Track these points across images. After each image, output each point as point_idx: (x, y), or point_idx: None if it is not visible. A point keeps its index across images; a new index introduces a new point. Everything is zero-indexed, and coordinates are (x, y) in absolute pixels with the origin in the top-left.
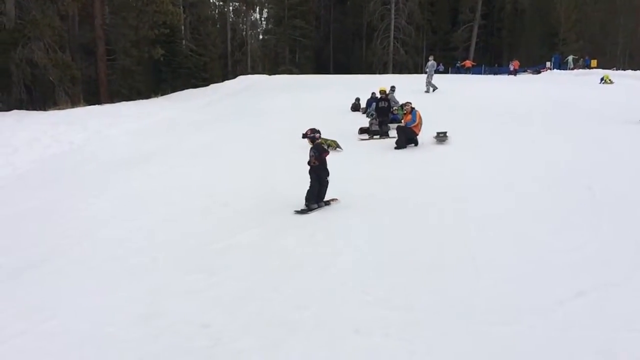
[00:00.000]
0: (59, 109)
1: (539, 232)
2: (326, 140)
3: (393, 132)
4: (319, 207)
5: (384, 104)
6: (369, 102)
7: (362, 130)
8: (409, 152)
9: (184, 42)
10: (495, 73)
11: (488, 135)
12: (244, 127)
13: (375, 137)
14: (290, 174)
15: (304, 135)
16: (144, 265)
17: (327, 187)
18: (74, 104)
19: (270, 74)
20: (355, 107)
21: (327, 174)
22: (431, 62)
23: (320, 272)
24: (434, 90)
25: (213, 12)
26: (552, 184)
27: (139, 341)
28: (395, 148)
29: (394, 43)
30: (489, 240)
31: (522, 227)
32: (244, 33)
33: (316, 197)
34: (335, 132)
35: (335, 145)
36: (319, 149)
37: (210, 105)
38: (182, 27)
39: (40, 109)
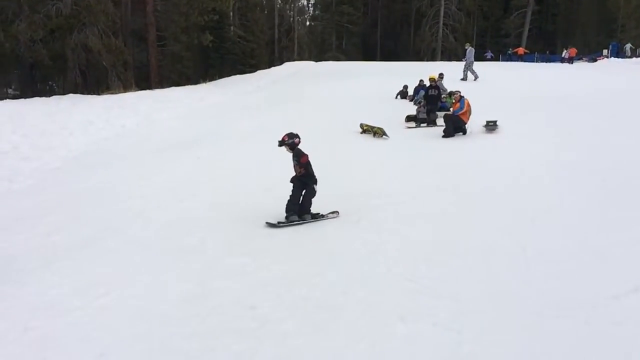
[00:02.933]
0: (112, 93)
1: (594, 225)
2: (373, 127)
3: (441, 121)
4: (303, 220)
5: (434, 91)
6: (416, 90)
7: (409, 118)
8: (457, 141)
9: (232, 28)
10: (548, 61)
11: (541, 125)
12: (290, 114)
13: (422, 125)
14: (335, 161)
15: (281, 143)
16: (193, 246)
17: (313, 196)
18: (125, 88)
19: (316, 61)
20: (403, 94)
21: (314, 181)
22: (469, 49)
23: (365, 259)
24: (475, 78)
25: None
26: (609, 176)
27: (188, 319)
28: (443, 136)
29: (443, 29)
30: (540, 231)
31: (576, 219)
32: (292, 19)
33: (298, 207)
34: (381, 119)
35: (381, 133)
36: (298, 155)
37: (257, 92)
38: (231, 14)
39: (94, 93)
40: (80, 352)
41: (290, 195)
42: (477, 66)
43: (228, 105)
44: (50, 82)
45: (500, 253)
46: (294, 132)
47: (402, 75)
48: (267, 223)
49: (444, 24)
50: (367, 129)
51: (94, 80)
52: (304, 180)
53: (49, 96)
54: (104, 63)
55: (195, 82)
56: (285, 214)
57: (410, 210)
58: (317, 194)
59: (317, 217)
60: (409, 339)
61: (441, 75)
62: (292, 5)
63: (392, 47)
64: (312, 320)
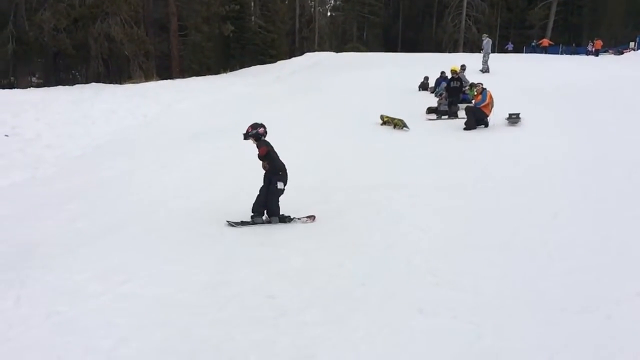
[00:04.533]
0: (134, 82)
1: (618, 220)
2: (393, 119)
3: (462, 113)
4: (269, 222)
5: (456, 83)
6: (438, 82)
7: (430, 110)
8: (478, 133)
9: (253, 18)
10: (573, 53)
11: (566, 118)
12: (310, 104)
13: (443, 117)
14: (357, 153)
15: (246, 135)
16: (212, 235)
17: (278, 195)
18: (147, 78)
19: (337, 52)
20: (424, 86)
21: (279, 177)
22: (486, 41)
23: (385, 251)
24: (482, 70)
25: None
26: (635, 170)
27: (208, 308)
28: (465, 129)
29: (466, 20)
30: (563, 225)
31: (600, 214)
32: (313, 10)
33: (263, 208)
34: (402, 111)
35: (402, 125)
36: (258, 147)
37: (278, 82)
38: (252, 4)
39: (116, 83)
40: (102, 337)
41: (257, 195)
42: (499, 58)
43: (248, 96)
44: (73, 71)
45: (521, 247)
46: (259, 122)
47: (423, 67)
48: (227, 222)
49: (466, 15)
50: (387, 121)
51: (116, 69)
52: (268, 176)
53: (72, 85)
54: (126, 52)
55: (216, 72)
56: (251, 214)
57: (430, 202)
58: (288, 192)
59: (286, 220)
60: (428, 332)
61: (463, 67)
62: None
63: (413, 38)
64: (330, 311)
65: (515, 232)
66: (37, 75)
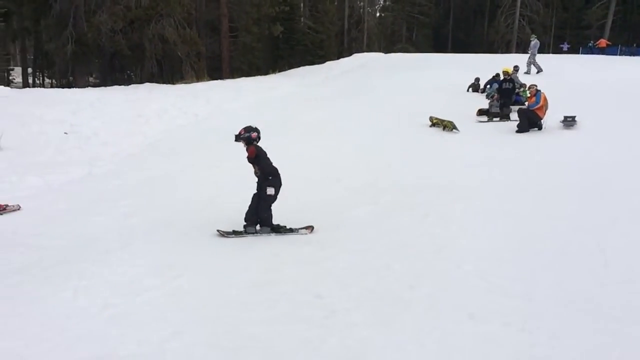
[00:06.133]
0: (185, 82)
1: None
2: (442, 120)
3: (514, 115)
4: (261, 232)
5: (508, 85)
6: (489, 83)
7: (480, 112)
8: (531, 136)
9: (302, 19)
10: (633, 54)
11: (624, 122)
12: (358, 105)
13: (495, 119)
14: (405, 155)
15: (237, 137)
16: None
17: (270, 203)
18: (198, 78)
19: (385, 52)
20: (475, 87)
21: (269, 184)
22: (534, 42)
23: (434, 254)
24: (538, 72)
25: None
26: None
27: (256, 305)
28: (517, 131)
29: (519, 20)
30: (622, 232)
31: None
32: (362, 10)
33: (256, 217)
34: (452, 112)
35: (451, 127)
36: (247, 149)
37: (326, 82)
38: (301, 5)
39: (168, 83)
40: (155, 330)
41: (250, 203)
42: (554, 59)
43: (297, 96)
44: (128, 71)
45: (576, 253)
46: (253, 125)
47: (474, 68)
48: (218, 231)
49: (520, 14)
50: (436, 122)
51: (169, 69)
52: (259, 183)
53: (127, 85)
54: (179, 53)
55: (265, 73)
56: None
57: (481, 206)
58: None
59: (281, 230)
60: (479, 338)
61: (516, 68)
62: None
63: (464, 39)
64: (379, 312)
65: (570, 237)
66: (94, 75)
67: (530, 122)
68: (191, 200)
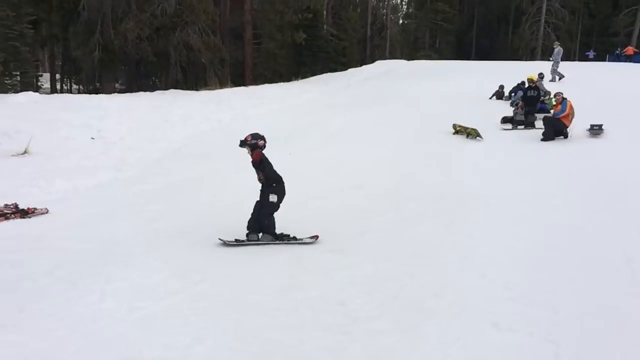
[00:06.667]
0: (209, 89)
1: None
2: (466, 128)
3: (540, 123)
4: (263, 240)
5: (533, 92)
6: (514, 90)
7: (505, 120)
8: (557, 145)
9: (325, 26)
10: None
11: None
12: (381, 112)
13: (519, 127)
14: (428, 162)
15: (243, 143)
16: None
17: (272, 211)
18: (222, 85)
19: (408, 60)
20: (499, 95)
21: (274, 190)
22: (557, 49)
23: (457, 262)
24: (559, 79)
25: None
26: None
27: (279, 311)
28: (542, 140)
29: (544, 27)
30: None
31: None
32: (385, 18)
33: (257, 225)
34: (475, 120)
35: (475, 134)
36: (252, 154)
37: (349, 89)
38: (325, 12)
39: (192, 89)
40: (179, 334)
41: (252, 210)
42: (579, 66)
43: (319, 103)
44: (153, 78)
45: (603, 263)
46: (260, 133)
47: (497, 75)
48: (220, 240)
49: (545, 21)
50: (460, 130)
51: (193, 76)
52: (262, 189)
53: (152, 91)
54: (203, 60)
55: (288, 80)
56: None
57: (505, 214)
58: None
59: (284, 239)
60: (504, 347)
61: (541, 76)
62: (386, 3)
63: (487, 46)
64: (402, 321)
65: (596, 247)
66: (120, 82)
67: (556, 130)
68: (215, 205)
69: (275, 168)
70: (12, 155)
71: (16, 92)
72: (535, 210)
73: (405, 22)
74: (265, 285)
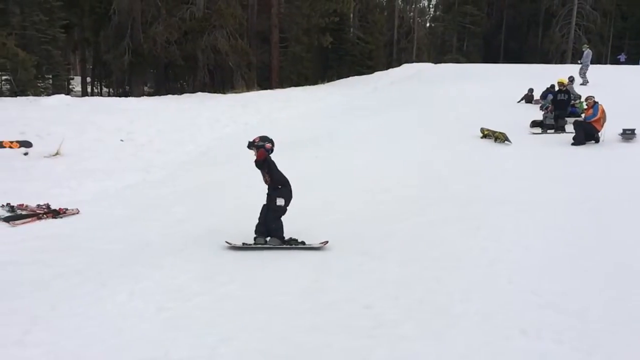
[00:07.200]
0: (236, 92)
1: None
2: (494, 132)
3: (570, 127)
4: (270, 244)
5: (564, 96)
6: (544, 94)
7: (534, 124)
8: (587, 149)
9: (351, 29)
10: None
11: None
12: (407, 116)
13: (549, 131)
14: (455, 166)
15: (251, 144)
16: (309, 242)
17: (279, 215)
18: (248, 88)
19: (435, 63)
20: (528, 98)
21: (281, 193)
22: (586, 52)
23: (485, 267)
24: (583, 83)
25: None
26: None
27: (305, 313)
28: (573, 144)
29: (575, 30)
30: None
31: None
32: (412, 21)
33: (264, 228)
34: (504, 124)
35: (503, 138)
36: (259, 152)
37: (375, 93)
38: (351, 15)
39: (220, 92)
40: (205, 335)
41: (260, 214)
42: (611, 70)
43: (345, 106)
44: (181, 81)
45: (634, 270)
46: (268, 136)
47: (526, 79)
48: (226, 242)
49: (576, 24)
50: (488, 134)
51: (220, 79)
52: (269, 193)
53: (180, 94)
54: (230, 63)
55: (314, 83)
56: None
57: (534, 220)
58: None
59: (292, 243)
60: (531, 355)
61: (571, 79)
62: (413, 6)
63: (516, 49)
64: (428, 326)
65: (627, 254)
66: (149, 85)
67: (587, 134)
68: (241, 208)
69: (282, 171)
70: (45, 157)
71: (48, 94)
72: (565, 215)
73: (433, 25)
74: (291, 288)
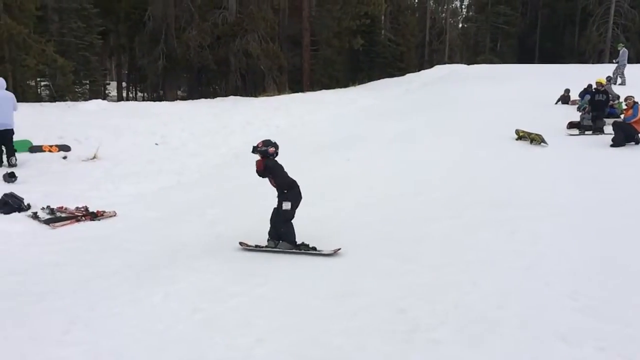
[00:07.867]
0: (267, 95)
1: None
2: (530, 134)
3: (609, 129)
4: (280, 248)
5: (602, 96)
6: (581, 95)
7: (571, 125)
8: (627, 151)
9: (383, 32)
10: None
11: None
12: (440, 118)
13: (587, 132)
14: (490, 168)
15: (254, 149)
16: (342, 245)
17: (288, 218)
18: (280, 91)
19: (468, 64)
20: (564, 99)
21: (287, 197)
22: (622, 51)
23: (521, 272)
24: (620, 83)
25: (413, 1)
26: None
27: (339, 316)
28: (612, 146)
29: (613, 29)
30: None
31: None
32: (444, 22)
33: (276, 232)
34: (539, 125)
35: (539, 140)
36: (257, 163)
37: (407, 95)
38: (382, 17)
39: (251, 96)
40: (240, 336)
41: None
42: None
43: (377, 108)
44: (213, 85)
45: None
46: (272, 140)
47: (562, 79)
48: (240, 244)
49: (614, 22)
50: (523, 135)
51: (252, 83)
52: (278, 196)
53: (213, 98)
54: (262, 67)
55: (345, 86)
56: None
57: (571, 223)
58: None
59: (302, 248)
60: None
61: (609, 79)
62: (445, 7)
63: (552, 49)
64: (465, 331)
65: None
66: (182, 89)
67: (627, 135)
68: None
69: (288, 173)
70: (82, 160)
71: (86, 99)
72: (603, 219)
73: (465, 25)
74: (324, 290)
